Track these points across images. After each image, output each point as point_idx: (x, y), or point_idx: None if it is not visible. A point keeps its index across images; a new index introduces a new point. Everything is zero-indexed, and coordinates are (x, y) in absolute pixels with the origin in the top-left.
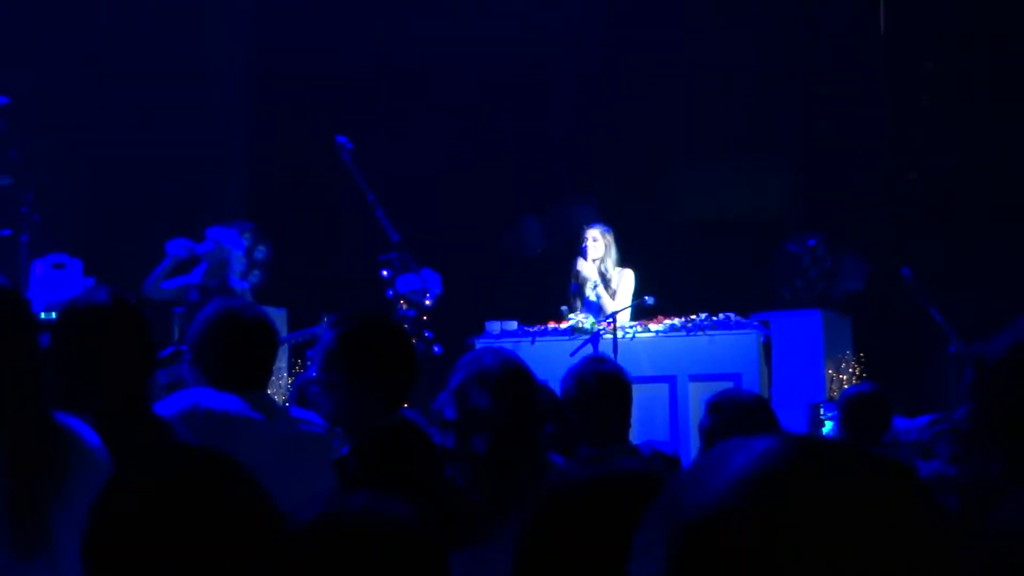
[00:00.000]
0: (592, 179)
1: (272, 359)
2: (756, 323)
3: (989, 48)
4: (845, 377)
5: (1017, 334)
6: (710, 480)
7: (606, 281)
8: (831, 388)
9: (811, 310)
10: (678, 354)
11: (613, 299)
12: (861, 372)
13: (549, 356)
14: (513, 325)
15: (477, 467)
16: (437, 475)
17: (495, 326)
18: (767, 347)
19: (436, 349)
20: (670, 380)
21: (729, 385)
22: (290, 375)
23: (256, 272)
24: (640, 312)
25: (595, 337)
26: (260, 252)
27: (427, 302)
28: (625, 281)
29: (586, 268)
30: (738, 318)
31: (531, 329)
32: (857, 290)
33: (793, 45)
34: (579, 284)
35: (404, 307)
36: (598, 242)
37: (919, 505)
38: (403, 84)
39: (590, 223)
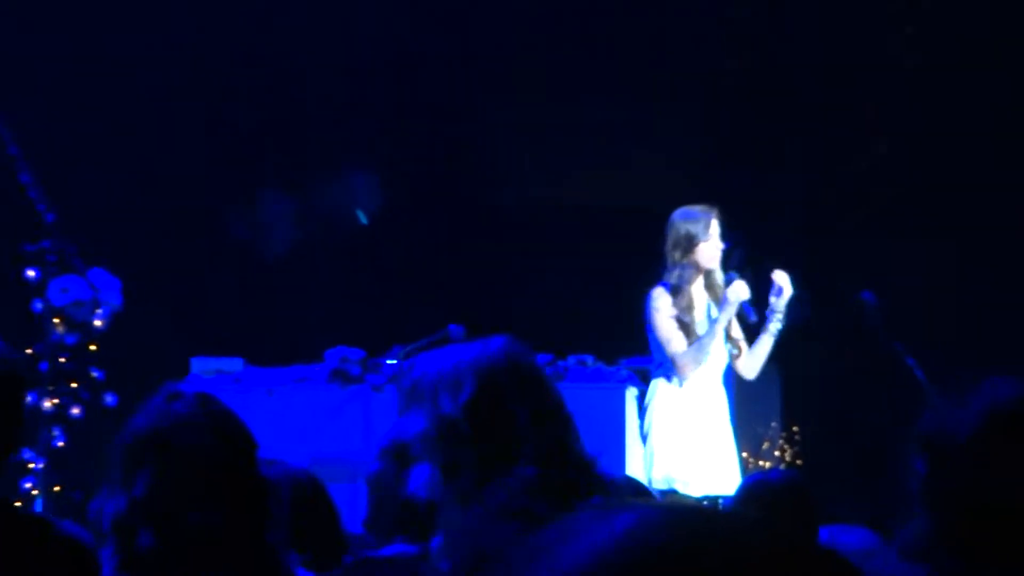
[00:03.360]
0: (368, 148)
1: None
2: (627, 373)
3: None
4: (766, 462)
5: (990, 398)
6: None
7: None
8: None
9: None
10: None
11: None
12: (791, 452)
13: (296, 411)
14: (236, 364)
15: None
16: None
17: (207, 365)
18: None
19: (108, 400)
20: None
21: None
22: None
23: None
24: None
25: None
26: None
27: (97, 321)
28: None
29: None
30: (599, 364)
31: (266, 371)
32: (793, 323)
33: None
34: None
35: (60, 330)
36: None
37: None
38: None
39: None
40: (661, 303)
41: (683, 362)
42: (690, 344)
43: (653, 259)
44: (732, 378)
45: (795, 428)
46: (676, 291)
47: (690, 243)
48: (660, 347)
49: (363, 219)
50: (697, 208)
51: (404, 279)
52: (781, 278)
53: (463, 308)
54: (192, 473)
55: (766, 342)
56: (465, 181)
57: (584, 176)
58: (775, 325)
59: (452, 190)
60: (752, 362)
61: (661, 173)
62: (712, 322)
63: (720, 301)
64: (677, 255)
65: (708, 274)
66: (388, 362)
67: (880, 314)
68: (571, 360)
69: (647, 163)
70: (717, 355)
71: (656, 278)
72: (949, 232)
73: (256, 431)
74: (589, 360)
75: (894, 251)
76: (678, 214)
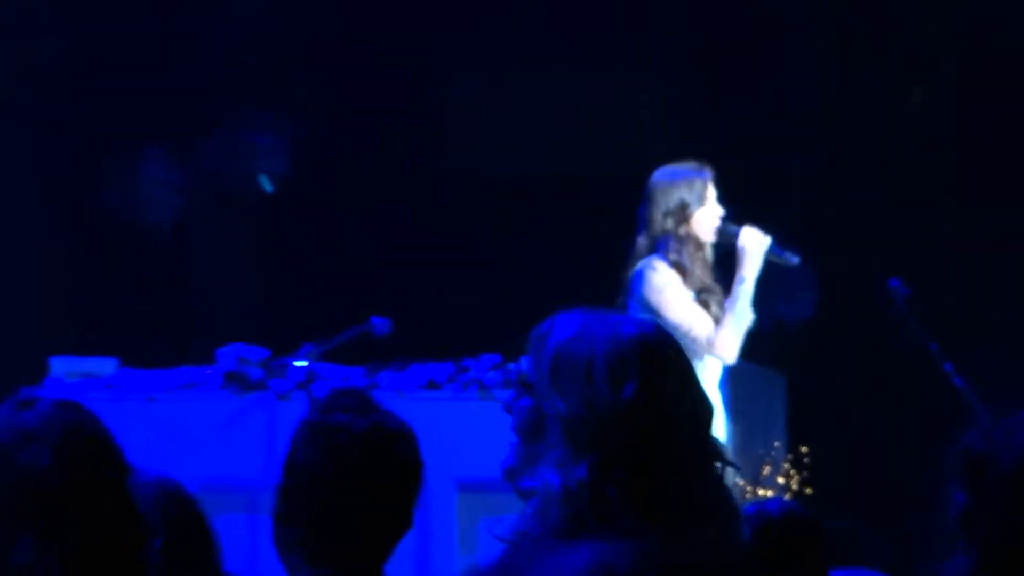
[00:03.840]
0: (277, 98)
1: None
2: None
3: None
4: (767, 491)
5: None
6: None
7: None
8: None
9: None
10: (434, 438)
11: None
12: (798, 478)
13: (183, 424)
14: (108, 366)
15: None
16: None
17: (72, 367)
18: None
19: None
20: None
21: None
22: None
23: None
24: (357, 349)
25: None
26: None
27: None
28: None
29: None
30: None
31: (145, 374)
32: (802, 317)
33: None
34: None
35: None
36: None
37: None
38: None
39: None
40: (668, 277)
41: (724, 343)
42: (722, 320)
43: (625, 232)
44: (727, 386)
45: (803, 449)
46: (680, 269)
47: (684, 210)
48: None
49: (267, 186)
50: (687, 166)
51: (316, 261)
52: (750, 236)
53: (389, 297)
54: (29, 500)
55: (742, 308)
56: (400, 143)
57: (548, 144)
58: (744, 288)
59: (382, 153)
60: (732, 337)
61: (635, 140)
62: (739, 282)
63: (736, 260)
64: (669, 224)
65: (699, 248)
66: (296, 364)
67: (911, 307)
68: (524, 363)
69: (620, 129)
70: (710, 361)
71: (633, 254)
72: (1002, 207)
73: (132, 449)
74: None
75: (928, 229)
76: (664, 174)
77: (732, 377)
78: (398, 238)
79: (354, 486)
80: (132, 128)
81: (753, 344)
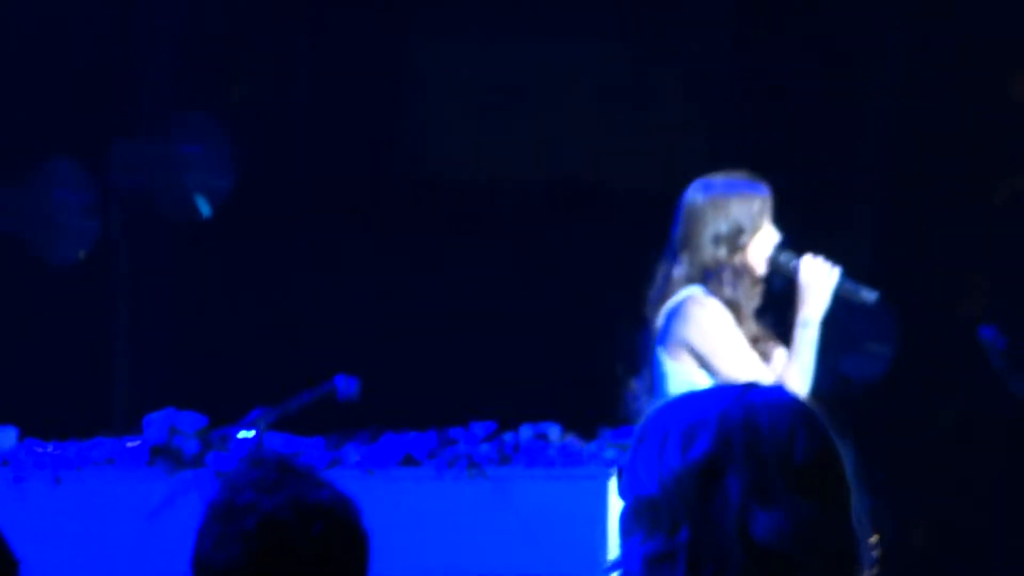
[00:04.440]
0: (214, 99)
1: None
2: (614, 452)
3: None
4: None
5: None
6: None
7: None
8: None
9: None
10: (412, 527)
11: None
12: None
13: (98, 511)
14: (7, 437)
15: None
16: None
17: None
18: None
19: None
20: None
21: None
22: None
23: None
24: (316, 415)
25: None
26: None
27: None
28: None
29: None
30: (570, 438)
31: (52, 448)
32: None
33: None
34: None
35: None
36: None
37: None
38: None
39: None
40: (720, 317)
41: (792, 388)
42: (783, 374)
43: (649, 257)
44: None
45: (874, 539)
46: (735, 309)
47: (739, 236)
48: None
49: (204, 209)
50: (739, 179)
51: (266, 303)
52: (814, 268)
53: (356, 350)
54: None
55: (807, 358)
56: (371, 150)
57: (544, 146)
58: (808, 334)
59: (349, 163)
60: (799, 371)
61: (662, 143)
62: (801, 326)
63: (798, 298)
64: (721, 253)
65: (755, 283)
66: (241, 435)
67: (1008, 358)
68: (525, 432)
69: (643, 130)
70: None
71: (667, 286)
72: None
73: (30, 541)
74: (553, 432)
75: None
76: (713, 188)
77: None
78: (367, 273)
79: None
80: (30, 137)
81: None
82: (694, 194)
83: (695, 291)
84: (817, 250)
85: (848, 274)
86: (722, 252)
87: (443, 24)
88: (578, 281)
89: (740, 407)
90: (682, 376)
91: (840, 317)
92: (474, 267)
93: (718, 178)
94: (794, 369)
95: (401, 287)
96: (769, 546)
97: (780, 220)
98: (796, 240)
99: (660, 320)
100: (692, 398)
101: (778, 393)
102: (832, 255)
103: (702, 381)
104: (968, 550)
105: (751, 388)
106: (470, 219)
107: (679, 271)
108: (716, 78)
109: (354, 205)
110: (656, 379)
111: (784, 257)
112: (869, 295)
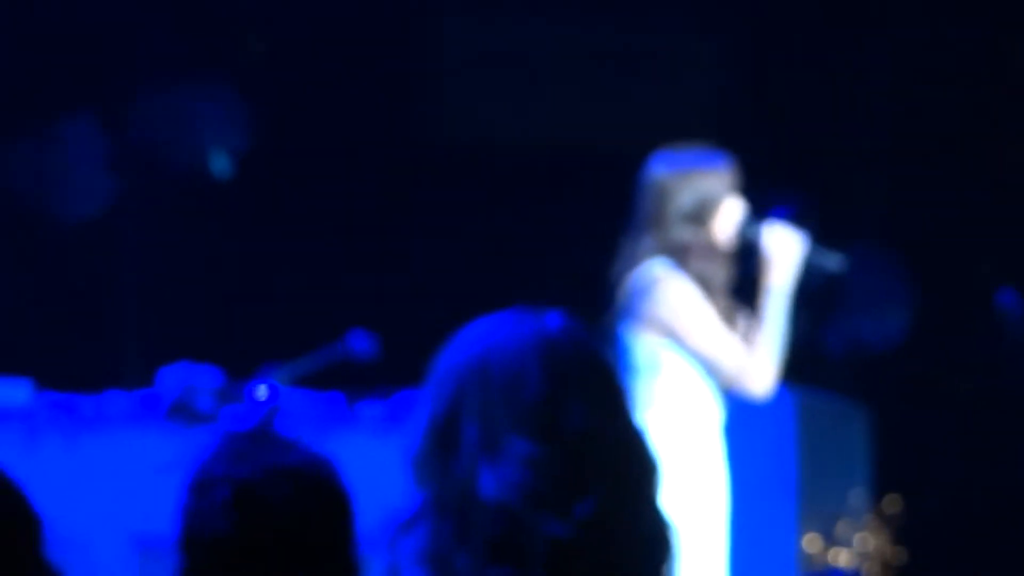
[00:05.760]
0: (230, 58)
1: None
2: None
3: None
4: (843, 552)
5: None
6: None
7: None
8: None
9: None
10: None
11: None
12: (886, 537)
13: (113, 465)
14: (21, 390)
15: None
16: None
17: None
18: None
19: None
20: None
21: None
22: None
23: None
24: (330, 372)
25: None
26: None
27: None
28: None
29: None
30: None
31: (67, 402)
32: (890, 337)
33: None
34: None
35: None
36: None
37: None
38: None
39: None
40: (688, 293)
41: (758, 374)
42: (752, 346)
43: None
44: (797, 422)
45: (891, 501)
46: (705, 283)
47: (705, 208)
48: (697, 362)
49: (221, 167)
50: (704, 152)
51: (279, 260)
52: (776, 236)
53: (372, 306)
54: None
55: (775, 328)
56: (385, 110)
57: (558, 110)
58: (774, 303)
59: (363, 124)
60: (767, 366)
61: (668, 109)
62: (767, 295)
63: (763, 267)
64: (687, 227)
65: (724, 257)
66: (256, 390)
67: None
68: None
69: (648, 95)
70: (711, 398)
71: (633, 260)
72: None
73: (48, 496)
74: None
75: None
76: (676, 162)
77: (801, 411)
78: (383, 230)
79: (252, 555)
80: (45, 95)
81: (828, 370)
82: (657, 168)
83: (662, 266)
84: (828, 218)
85: (818, 241)
86: (689, 226)
87: None
88: (597, 244)
89: (481, 351)
90: (648, 351)
91: (857, 283)
92: (492, 226)
93: (680, 152)
94: (764, 339)
95: (418, 243)
96: (498, 504)
97: (793, 187)
98: (806, 208)
99: (625, 296)
100: (457, 347)
101: (524, 327)
102: (845, 222)
103: (668, 356)
104: (982, 509)
105: (501, 326)
106: (489, 181)
107: (646, 246)
108: (729, 53)
109: (373, 164)
110: (620, 354)
111: (749, 229)
112: (835, 262)
